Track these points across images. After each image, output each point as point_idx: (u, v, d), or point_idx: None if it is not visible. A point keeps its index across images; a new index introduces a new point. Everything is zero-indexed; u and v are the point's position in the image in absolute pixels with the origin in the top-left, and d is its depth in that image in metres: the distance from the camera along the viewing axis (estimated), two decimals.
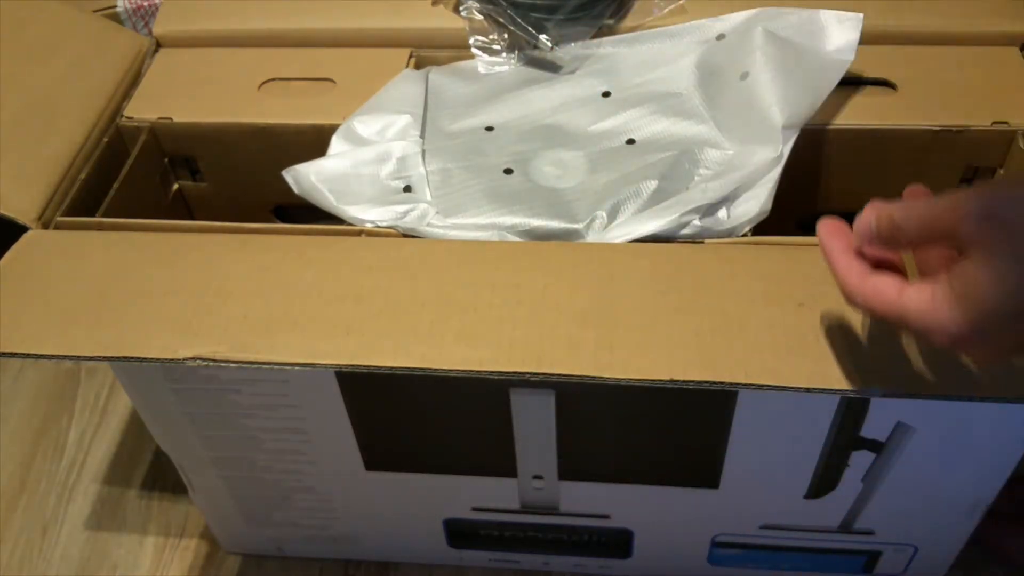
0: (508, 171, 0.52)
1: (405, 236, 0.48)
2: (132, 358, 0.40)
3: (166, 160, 0.59)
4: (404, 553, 0.62)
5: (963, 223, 0.30)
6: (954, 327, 0.30)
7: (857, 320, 0.40)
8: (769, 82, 0.50)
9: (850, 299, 0.35)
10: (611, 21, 0.58)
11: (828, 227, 0.36)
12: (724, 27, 0.56)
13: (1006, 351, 0.32)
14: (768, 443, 0.48)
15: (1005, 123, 0.52)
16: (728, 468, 0.50)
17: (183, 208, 0.62)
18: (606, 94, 0.56)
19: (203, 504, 0.59)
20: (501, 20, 0.58)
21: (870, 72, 0.55)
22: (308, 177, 0.50)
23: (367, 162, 0.51)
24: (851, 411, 0.45)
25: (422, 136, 0.53)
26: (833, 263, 0.35)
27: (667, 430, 0.49)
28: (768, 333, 0.40)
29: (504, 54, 0.58)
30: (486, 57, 0.59)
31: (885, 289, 0.33)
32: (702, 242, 0.46)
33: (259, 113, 0.56)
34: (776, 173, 0.48)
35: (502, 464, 0.52)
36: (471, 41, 0.59)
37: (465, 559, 0.61)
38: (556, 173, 0.51)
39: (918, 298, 0.32)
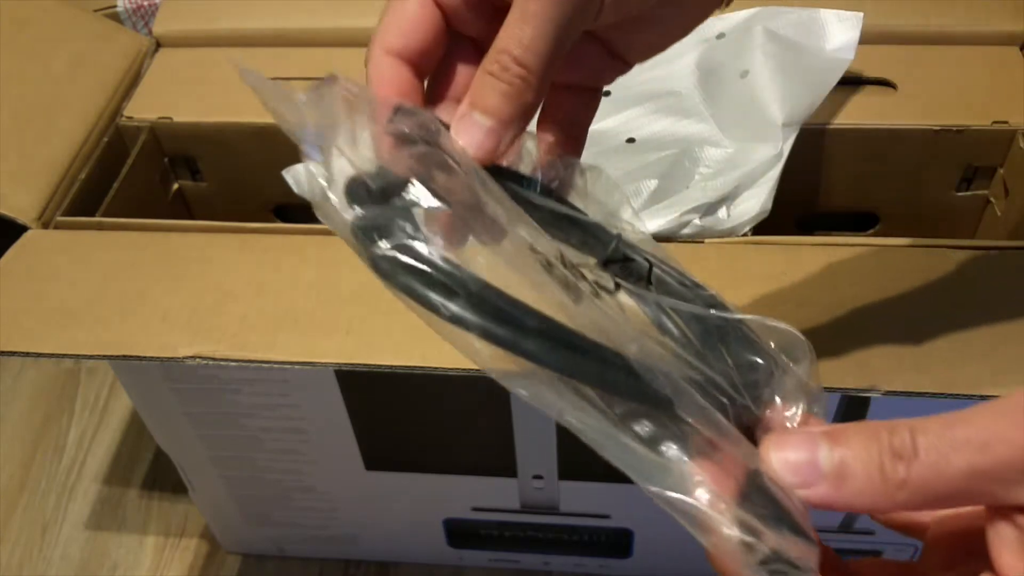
0: None
1: None
2: (132, 357, 0.40)
3: (166, 160, 0.59)
4: (404, 553, 0.62)
5: None
6: None
7: (857, 320, 0.40)
8: (769, 80, 0.50)
9: None
10: None
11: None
12: (724, 26, 0.56)
13: None
14: None
15: (1005, 123, 0.52)
16: None
17: (183, 208, 0.62)
18: (606, 93, 0.56)
19: (203, 504, 0.59)
20: None
21: (870, 72, 0.55)
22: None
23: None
24: (851, 411, 0.45)
25: None
26: None
27: None
28: None
29: None
30: None
31: None
32: (702, 242, 0.46)
33: (259, 113, 0.56)
34: (776, 171, 0.48)
35: (502, 464, 0.52)
36: None
37: (465, 559, 0.61)
38: None
39: None
